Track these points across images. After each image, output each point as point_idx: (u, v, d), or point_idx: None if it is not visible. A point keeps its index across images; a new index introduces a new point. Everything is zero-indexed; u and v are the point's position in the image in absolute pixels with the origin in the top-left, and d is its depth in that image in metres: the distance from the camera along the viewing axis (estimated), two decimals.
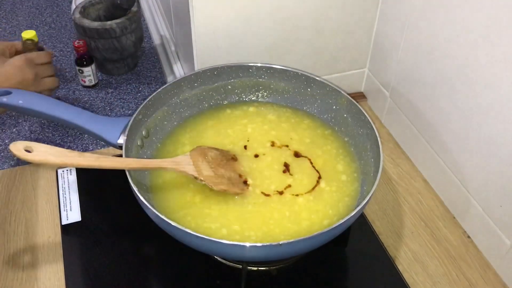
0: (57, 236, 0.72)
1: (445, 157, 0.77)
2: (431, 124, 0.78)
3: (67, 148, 0.61)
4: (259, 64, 0.78)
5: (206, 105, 0.80)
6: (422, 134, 0.81)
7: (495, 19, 0.61)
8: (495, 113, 0.64)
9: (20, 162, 0.84)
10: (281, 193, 0.67)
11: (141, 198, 0.58)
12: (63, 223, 0.73)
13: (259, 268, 0.67)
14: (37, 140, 0.90)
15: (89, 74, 0.99)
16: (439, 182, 0.80)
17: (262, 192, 0.67)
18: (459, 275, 0.70)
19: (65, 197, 0.77)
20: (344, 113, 0.75)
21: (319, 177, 0.69)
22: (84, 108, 0.96)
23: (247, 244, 0.54)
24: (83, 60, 0.98)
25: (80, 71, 0.99)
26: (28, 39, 0.92)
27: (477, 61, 0.66)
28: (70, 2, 1.26)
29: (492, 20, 0.62)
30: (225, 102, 0.81)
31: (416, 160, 0.85)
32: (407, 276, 0.69)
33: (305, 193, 0.67)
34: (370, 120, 0.69)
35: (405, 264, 0.71)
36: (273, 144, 0.74)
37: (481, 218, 0.70)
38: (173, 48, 1.04)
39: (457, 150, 0.73)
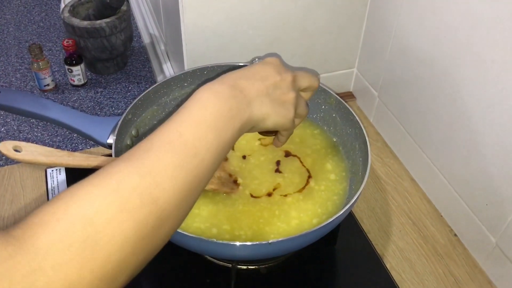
0: None
1: (432, 156, 0.78)
2: (419, 124, 0.79)
3: (56, 148, 0.60)
4: (248, 64, 0.78)
5: None
6: (410, 134, 0.82)
7: (480, 20, 0.62)
8: (481, 113, 0.65)
9: (9, 161, 0.84)
10: (270, 194, 0.67)
11: None
12: None
13: (249, 267, 0.68)
14: (26, 139, 0.89)
15: (78, 73, 0.99)
16: (427, 181, 0.81)
17: (251, 194, 0.67)
18: (446, 272, 0.71)
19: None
20: (333, 112, 0.76)
21: (309, 176, 0.70)
22: (73, 107, 0.96)
23: (237, 243, 0.54)
24: (72, 59, 0.97)
25: (69, 70, 0.98)
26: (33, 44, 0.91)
27: (463, 62, 0.66)
28: (59, 1, 1.26)
29: (478, 21, 0.63)
30: None
31: (404, 159, 0.86)
32: (394, 274, 0.69)
33: (294, 192, 0.68)
34: (358, 119, 0.70)
35: (393, 262, 0.72)
36: (262, 143, 0.74)
37: (468, 217, 0.71)
38: (163, 48, 1.04)
39: (444, 150, 0.74)
